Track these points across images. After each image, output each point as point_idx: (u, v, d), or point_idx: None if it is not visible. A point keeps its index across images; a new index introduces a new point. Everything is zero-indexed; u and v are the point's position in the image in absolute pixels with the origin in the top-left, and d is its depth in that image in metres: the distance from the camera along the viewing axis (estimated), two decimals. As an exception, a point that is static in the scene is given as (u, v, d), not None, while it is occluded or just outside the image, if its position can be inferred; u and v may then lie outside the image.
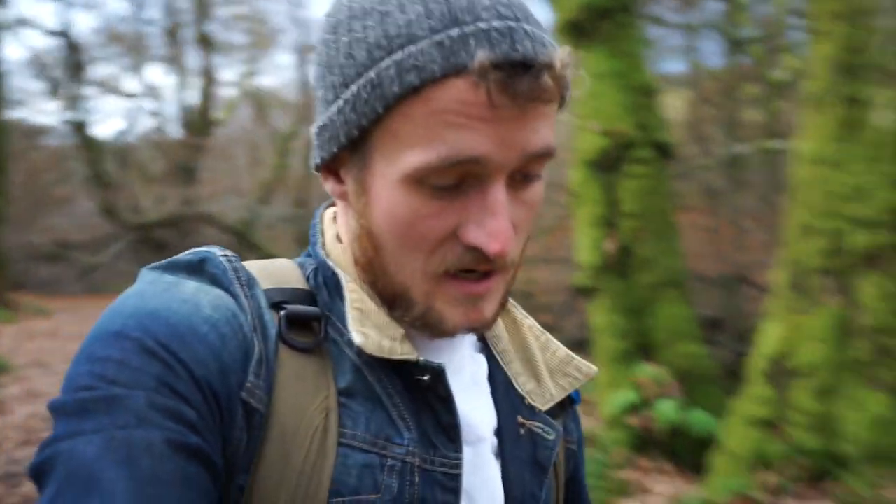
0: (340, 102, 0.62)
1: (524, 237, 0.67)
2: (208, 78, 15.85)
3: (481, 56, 0.55)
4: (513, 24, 0.58)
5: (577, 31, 4.16)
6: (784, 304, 2.13)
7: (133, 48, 15.04)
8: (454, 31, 0.57)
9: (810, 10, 2.22)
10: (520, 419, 0.75)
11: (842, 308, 1.99)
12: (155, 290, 0.61)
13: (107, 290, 13.27)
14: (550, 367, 0.79)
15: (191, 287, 0.62)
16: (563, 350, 0.80)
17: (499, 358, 0.78)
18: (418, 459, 0.65)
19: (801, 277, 2.13)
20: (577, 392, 0.83)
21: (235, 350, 0.60)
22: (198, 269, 0.65)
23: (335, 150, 0.64)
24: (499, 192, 0.61)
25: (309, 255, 0.74)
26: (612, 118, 4.10)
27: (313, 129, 0.68)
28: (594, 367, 0.80)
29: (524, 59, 0.56)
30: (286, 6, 15.49)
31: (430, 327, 0.66)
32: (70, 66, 9.91)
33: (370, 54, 0.59)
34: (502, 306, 0.69)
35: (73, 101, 10.22)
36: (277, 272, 0.70)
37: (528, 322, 0.80)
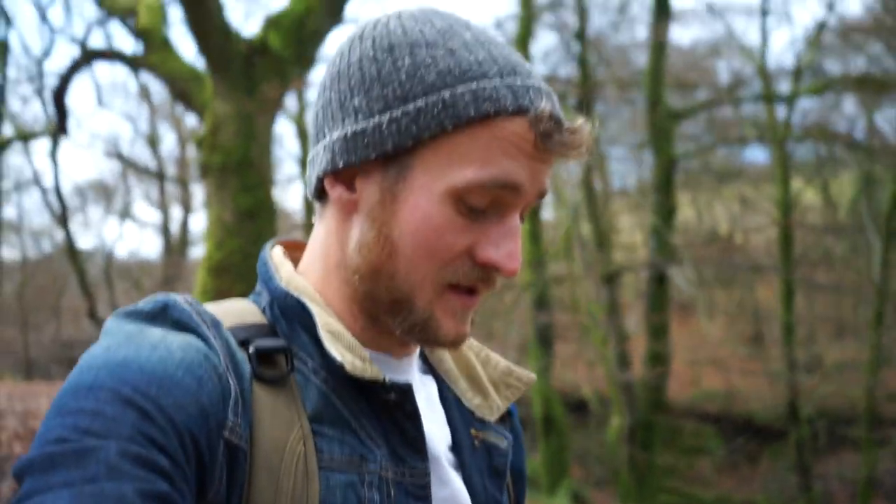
0: (396, 113, 0.67)
1: None
2: (187, 211, 20.13)
3: (544, 106, 0.66)
4: (549, 89, 0.70)
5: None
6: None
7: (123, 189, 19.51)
8: (518, 80, 0.68)
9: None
10: (473, 432, 0.80)
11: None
12: (119, 340, 0.62)
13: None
14: (493, 379, 0.83)
15: (157, 333, 0.63)
16: (503, 362, 0.85)
17: (444, 377, 0.82)
18: (391, 473, 0.68)
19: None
20: (513, 405, 0.88)
21: (212, 391, 0.61)
22: (160, 315, 0.65)
23: (372, 156, 0.69)
24: (517, 220, 0.70)
25: (259, 294, 0.76)
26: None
27: (335, 135, 0.71)
28: (533, 375, 0.85)
29: (562, 118, 0.68)
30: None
31: (426, 334, 0.71)
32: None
33: (442, 78, 0.67)
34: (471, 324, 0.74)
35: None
36: (235, 311, 0.72)
37: (467, 340, 0.82)
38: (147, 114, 18.87)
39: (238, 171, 5.42)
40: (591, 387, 11.18)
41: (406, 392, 0.70)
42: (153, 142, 19.04)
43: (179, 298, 0.68)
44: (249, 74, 5.47)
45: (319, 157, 0.73)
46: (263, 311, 0.74)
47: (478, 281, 0.70)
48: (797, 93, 9.73)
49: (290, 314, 0.72)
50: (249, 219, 5.43)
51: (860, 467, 9.88)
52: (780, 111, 10.53)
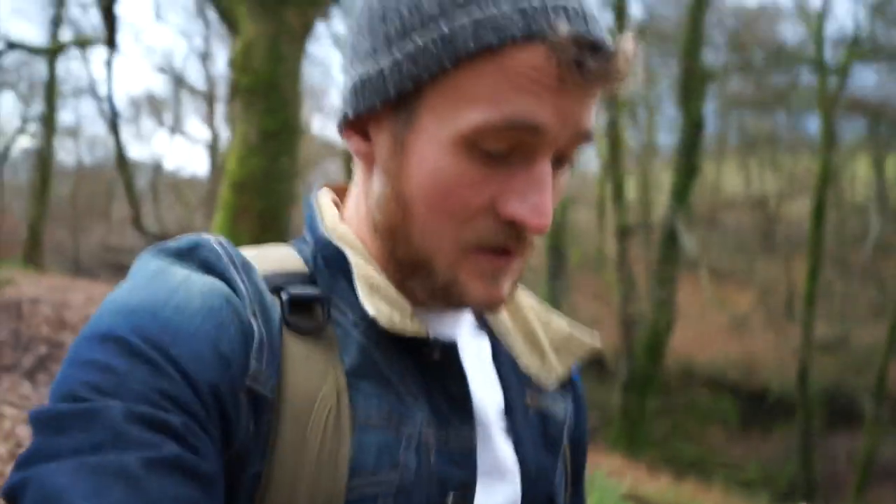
0: (397, 53, 0.60)
1: None
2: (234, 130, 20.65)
3: (563, 28, 0.56)
4: (585, 7, 0.60)
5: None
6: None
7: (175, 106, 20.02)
8: (535, 1, 0.57)
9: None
10: (527, 397, 0.74)
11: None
12: (141, 281, 0.59)
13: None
14: (553, 343, 0.77)
15: (180, 275, 0.59)
16: (564, 325, 0.78)
17: (501, 337, 0.76)
18: (433, 437, 0.64)
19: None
20: (577, 373, 0.82)
21: (233, 337, 0.57)
22: (188, 255, 0.62)
23: (377, 103, 0.62)
24: (546, 167, 0.60)
25: (304, 241, 0.71)
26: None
27: (349, 82, 0.65)
28: (596, 340, 0.78)
29: (595, 41, 0.57)
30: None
31: (450, 299, 0.65)
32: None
33: (441, 9, 0.58)
34: (514, 287, 0.68)
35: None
36: (274, 257, 0.68)
37: (529, 300, 0.78)
38: (202, 31, 19.14)
39: (265, 92, 5.66)
40: (609, 341, 11.42)
41: (452, 349, 0.66)
42: (206, 59, 19.40)
43: (212, 239, 0.64)
44: (281, -1, 5.65)
45: (341, 105, 0.68)
46: (307, 259, 0.69)
47: (508, 240, 0.62)
48: (848, 62, 9.44)
49: (331, 263, 0.67)
50: (272, 139, 5.70)
51: (862, 447, 9.93)
52: (833, 82, 10.24)
